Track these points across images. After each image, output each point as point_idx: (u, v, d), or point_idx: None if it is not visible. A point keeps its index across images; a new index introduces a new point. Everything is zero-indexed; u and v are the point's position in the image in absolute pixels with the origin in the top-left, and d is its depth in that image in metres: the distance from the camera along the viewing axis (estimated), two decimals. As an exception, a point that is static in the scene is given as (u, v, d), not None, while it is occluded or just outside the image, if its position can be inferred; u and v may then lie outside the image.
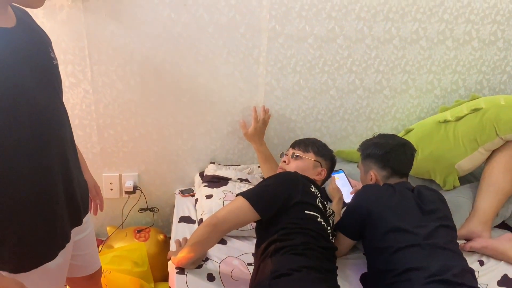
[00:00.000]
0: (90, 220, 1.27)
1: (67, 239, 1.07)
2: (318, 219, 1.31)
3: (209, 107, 1.85)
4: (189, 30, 1.67)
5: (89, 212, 1.25)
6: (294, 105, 1.92)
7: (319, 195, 1.40)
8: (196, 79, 1.77)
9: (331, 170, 1.61)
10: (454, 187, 1.83)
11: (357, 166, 1.69)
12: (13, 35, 0.89)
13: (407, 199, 1.43)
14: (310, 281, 1.16)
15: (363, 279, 1.46)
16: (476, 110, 1.72)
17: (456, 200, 1.75)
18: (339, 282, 1.37)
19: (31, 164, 0.91)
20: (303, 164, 1.53)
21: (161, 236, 1.88)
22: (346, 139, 2.05)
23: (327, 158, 1.58)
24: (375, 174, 1.55)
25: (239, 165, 1.98)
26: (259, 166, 1.92)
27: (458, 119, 1.76)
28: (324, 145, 1.62)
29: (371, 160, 1.57)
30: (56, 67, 1.02)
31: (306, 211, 1.30)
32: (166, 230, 1.99)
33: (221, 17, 1.68)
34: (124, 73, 1.71)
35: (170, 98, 1.79)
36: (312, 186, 1.40)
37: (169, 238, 1.79)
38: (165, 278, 1.59)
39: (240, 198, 1.31)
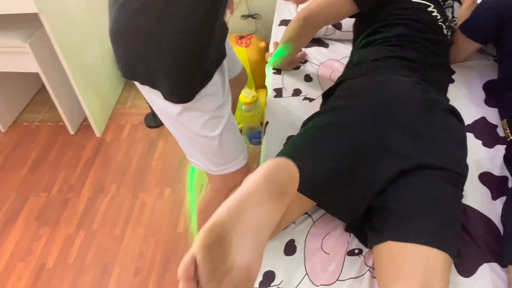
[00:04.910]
0: None
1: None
2: (429, 9, 1.07)
3: None
4: None
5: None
6: None
7: None
8: None
9: None
10: None
11: None
12: None
13: None
14: (392, 67, 0.99)
15: (488, 87, 1.24)
16: None
17: None
18: (456, 89, 1.20)
19: None
20: None
21: (262, 44, 1.82)
22: None
23: None
24: None
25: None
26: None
27: None
28: None
29: None
30: None
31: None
32: (268, 38, 1.90)
33: None
34: None
35: None
36: None
37: (271, 44, 1.72)
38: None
39: None
